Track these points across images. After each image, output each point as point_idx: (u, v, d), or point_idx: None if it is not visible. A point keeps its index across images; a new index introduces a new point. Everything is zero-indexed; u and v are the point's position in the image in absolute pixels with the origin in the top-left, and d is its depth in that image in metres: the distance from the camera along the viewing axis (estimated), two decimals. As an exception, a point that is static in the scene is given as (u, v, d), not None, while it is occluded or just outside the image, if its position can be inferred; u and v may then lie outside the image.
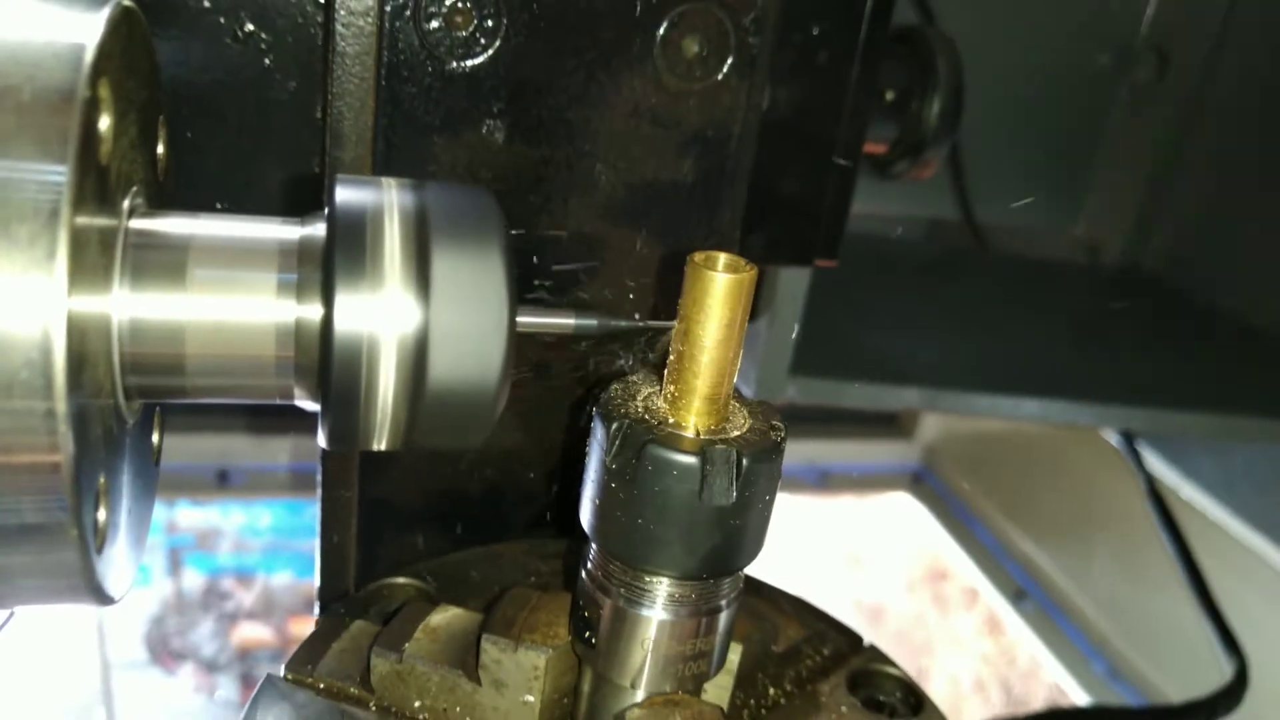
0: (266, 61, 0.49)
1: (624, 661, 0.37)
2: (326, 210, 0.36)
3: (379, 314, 0.34)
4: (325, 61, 0.48)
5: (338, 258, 0.34)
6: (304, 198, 0.52)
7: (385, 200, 0.36)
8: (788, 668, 0.44)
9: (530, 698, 0.39)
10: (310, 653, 0.43)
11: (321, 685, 0.41)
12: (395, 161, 0.48)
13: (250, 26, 0.49)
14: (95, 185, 0.30)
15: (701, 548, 0.34)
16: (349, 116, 0.47)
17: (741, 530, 0.34)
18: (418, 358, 0.34)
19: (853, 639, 0.47)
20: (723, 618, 0.37)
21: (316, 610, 0.59)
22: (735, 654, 0.41)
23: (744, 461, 0.33)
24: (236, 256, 0.35)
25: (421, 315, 0.34)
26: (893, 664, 0.45)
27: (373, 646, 0.41)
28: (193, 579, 2.75)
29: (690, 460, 0.33)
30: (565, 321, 0.39)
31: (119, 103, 0.33)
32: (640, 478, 0.33)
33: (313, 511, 0.57)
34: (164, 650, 2.74)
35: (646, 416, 0.34)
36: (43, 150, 0.28)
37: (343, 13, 0.46)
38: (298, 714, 0.39)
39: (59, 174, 0.28)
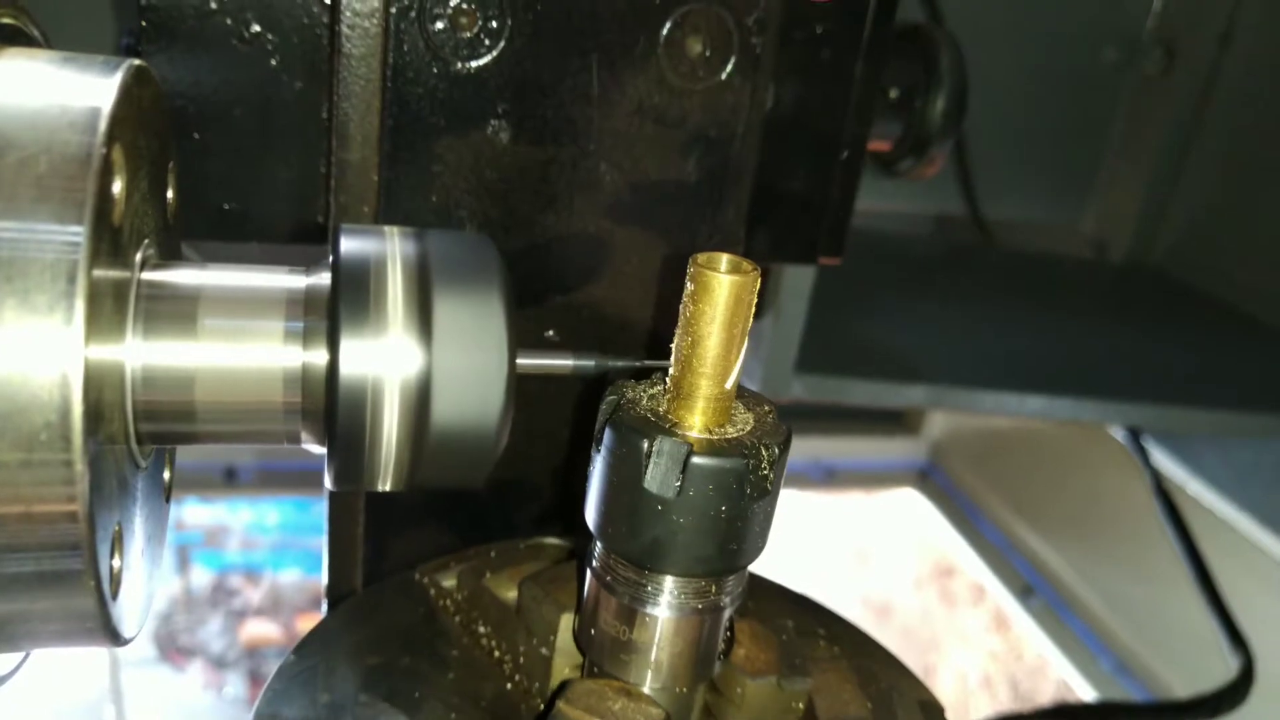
0: (273, 63, 0.50)
1: (592, 639, 0.38)
2: (331, 259, 0.37)
3: (383, 359, 0.35)
4: (331, 63, 0.48)
5: (342, 305, 0.35)
6: (310, 199, 0.53)
7: (388, 249, 0.37)
8: None
9: (546, 651, 0.41)
10: (444, 564, 0.47)
11: (433, 591, 0.46)
12: (401, 163, 0.48)
13: (257, 28, 0.49)
14: (109, 246, 0.31)
15: (644, 535, 0.34)
16: (355, 117, 0.48)
17: (691, 531, 0.34)
18: (420, 401, 0.35)
19: None
20: (696, 624, 0.37)
21: (325, 607, 0.59)
22: (741, 686, 0.40)
23: (692, 459, 0.33)
24: (244, 306, 0.36)
25: (424, 359, 0.35)
26: None
27: (462, 568, 0.45)
28: (201, 576, 2.76)
29: (640, 442, 0.33)
30: (564, 363, 0.40)
31: (131, 162, 0.34)
32: (606, 452, 0.34)
33: (320, 509, 0.57)
34: (172, 647, 2.76)
35: (646, 403, 0.35)
36: (60, 218, 0.29)
37: (348, 14, 0.46)
38: (402, 603, 0.45)
39: (76, 239, 0.29)
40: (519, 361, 0.37)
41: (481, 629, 0.44)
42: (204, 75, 0.49)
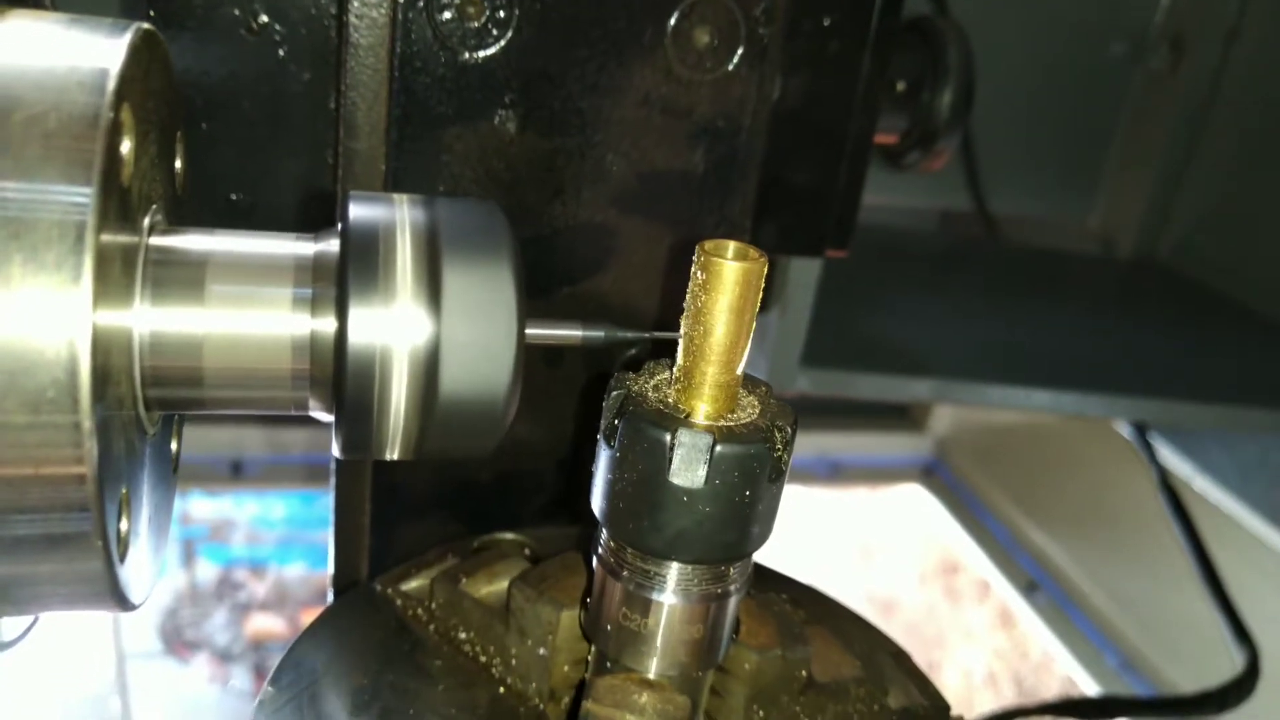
0: (281, 53, 0.50)
1: (608, 634, 0.38)
2: (340, 226, 0.37)
3: (391, 327, 0.34)
4: (339, 53, 0.48)
5: (351, 273, 0.35)
6: (318, 189, 0.53)
7: (397, 216, 0.37)
8: (830, 703, 0.43)
9: (544, 651, 0.40)
10: (404, 572, 0.46)
11: (399, 601, 0.45)
12: (408, 152, 0.48)
13: (264, 18, 0.49)
14: (117, 207, 0.31)
15: (668, 528, 0.34)
16: (362, 107, 0.48)
17: (715, 520, 0.34)
18: (429, 369, 0.35)
19: (937, 702, 0.45)
20: (711, 610, 0.37)
21: (330, 599, 0.60)
22: (750, 664, 0.41)
23: (717, 448, 0.33)
24: (253, 272, 0.36)
25: (433, 328, 0.35)
26: None
27: (437, 575, 0.44)
28: (206, 570, 2.77)
29: (662, 436, 0.33)
30: (573, 333, 0.40)
31: (140, 125, 0.33)
32: (621, 447, 0.34)
33: (325, 503, 0.57)
34: (178, 641, 2.76)
35: (651, 394, 0.35)
36: (68, 176, 0.29)
37: (356, 4, 0.46)
38: (369, 617, 0.44)
39: (84, 199, 0.29)
40: (528, 331, 0.37)
41: (462, 635, 0.43)
42: (212, 66, 0.49)
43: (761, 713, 0.41)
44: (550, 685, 0.41)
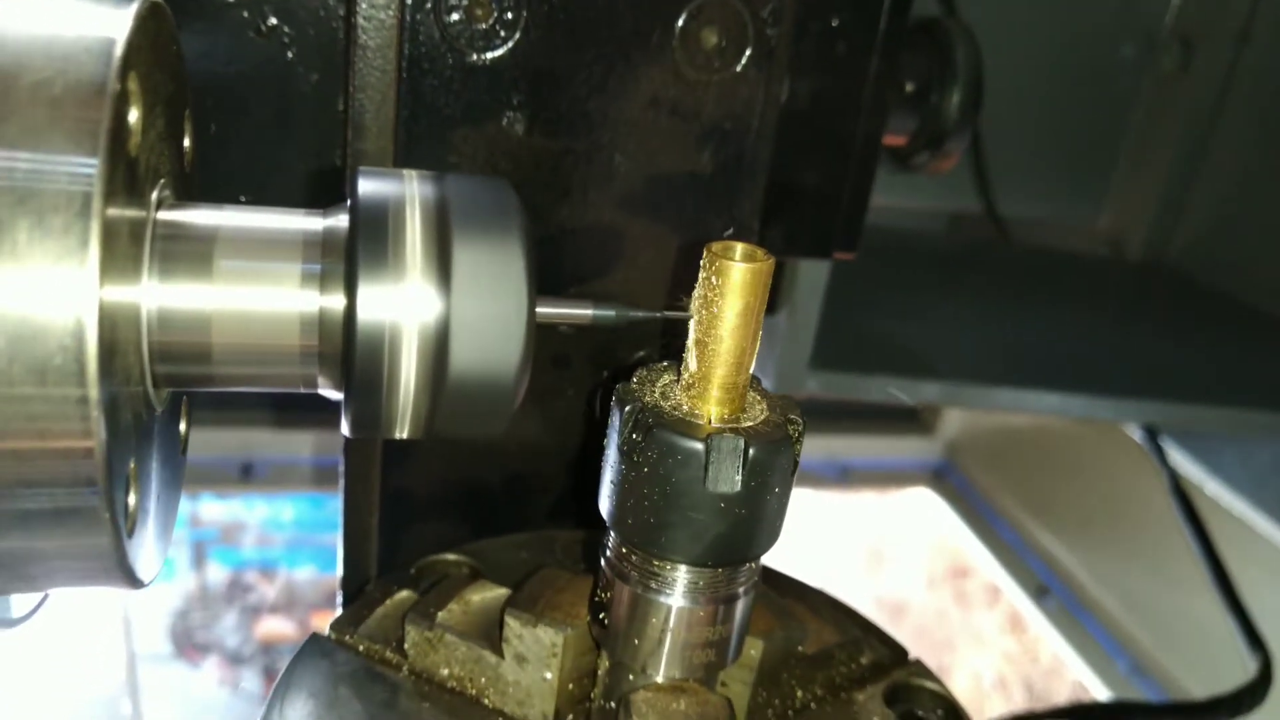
0: (289, 55, 0.50)
1: (636, 646, 0.37)
2: (349, 202, 0.37)
3: (401, 304, 0.34)
4: (347, 54, 0.48)
5: (360, 248, 0.34)
6: (327, 189, 0.53)
7: (406, 192, 0.36)
8: (818, 671, 0.44)
9: (549, 675, 0.40)
10: (355, 615, 0.44)
11: (361, 647, 0.43)
12: (416, 153, 0.48)
13: (273, 20, 0.49)
14: (125, 177, 0.31)
15: (707, 535, 0.34)
16: (370, 109, 0.48)
17: (749, 520, 0.34)
18: (439, 347, 0.35)
19: (897, 651, 0.47)
20: (738, 607, 0.37)
21: (340, 602, 0.60)
22: (756, 649, 0.41)
23: (751, 451, 0.33)
24: (261, 247, 0.36)
25: (442, 305, 0.34)
26: (937, 680, 0.45)
27: (407, 614, 0.43)
28: (217, 572, 2.77)
29: (695, 446, 0.33)
30: (583, 312, 0.39)
31: (147, 96, 0.33)
32: (649, 462, 0.34)
33: (335, 505, 0.57)
34: (188, 643, 2.77)
35: (662, 402, 0.35)
36: (74, 143, 0.29)
37: (364, 6, 0.46)
38: (335, 670, 0.41)
39: (90, 166, 0.28)
40: (539, 309, 0.36)
41: (445, 671, 0.42)
42: (221, 68, 0.50)
43: (764, 693, 0.42)
44: (555, 706, 0.40)
